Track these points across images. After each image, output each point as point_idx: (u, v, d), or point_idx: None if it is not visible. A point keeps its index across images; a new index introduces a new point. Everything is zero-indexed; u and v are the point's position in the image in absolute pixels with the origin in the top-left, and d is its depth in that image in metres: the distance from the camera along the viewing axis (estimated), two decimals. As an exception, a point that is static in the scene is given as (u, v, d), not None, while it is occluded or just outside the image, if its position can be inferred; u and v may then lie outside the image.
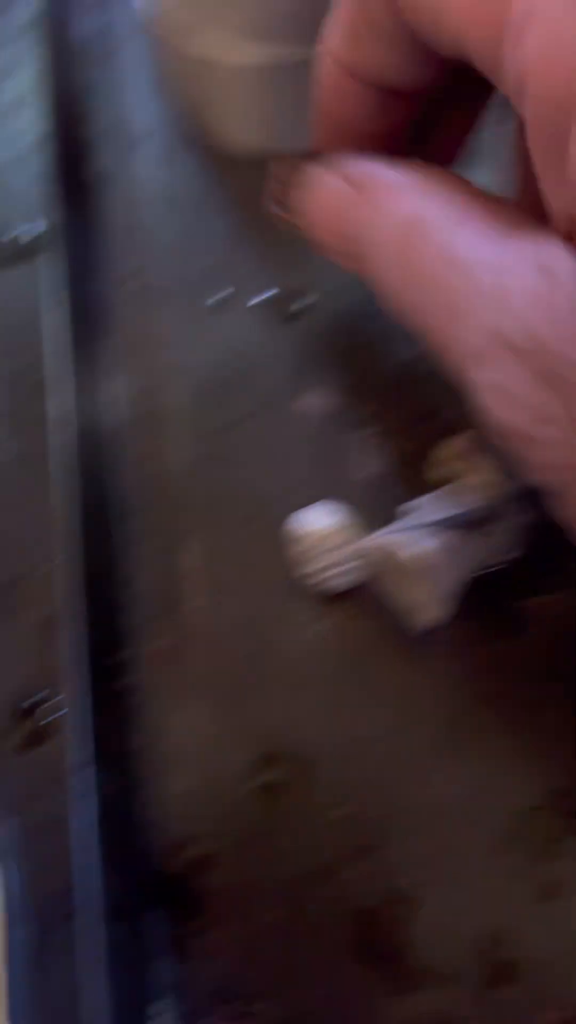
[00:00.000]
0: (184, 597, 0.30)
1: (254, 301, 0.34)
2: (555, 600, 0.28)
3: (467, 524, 0.26)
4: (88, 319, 0.33)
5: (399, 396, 0.32)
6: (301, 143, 0.35)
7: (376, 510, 0.29)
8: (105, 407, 0.32)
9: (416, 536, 0.26)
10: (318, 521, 0.27)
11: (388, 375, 0.32)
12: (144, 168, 0.36)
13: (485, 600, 0.28)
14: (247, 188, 0.35)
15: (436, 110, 0.25)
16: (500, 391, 0.19)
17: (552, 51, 0.17)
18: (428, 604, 0.26)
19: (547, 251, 0.18)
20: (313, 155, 0.26)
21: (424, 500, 0.28)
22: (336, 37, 0.23)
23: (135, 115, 0.38)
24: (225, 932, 0.26)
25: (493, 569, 0.28)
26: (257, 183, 0.35)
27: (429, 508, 0.27)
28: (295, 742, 0.28)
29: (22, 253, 0.32)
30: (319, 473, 0.31)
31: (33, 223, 0.32)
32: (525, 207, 0.20)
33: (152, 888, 0.27)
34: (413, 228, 0.20)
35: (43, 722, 0.26)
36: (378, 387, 0.32)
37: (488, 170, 0.26)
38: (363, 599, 0.29)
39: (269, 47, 0.31)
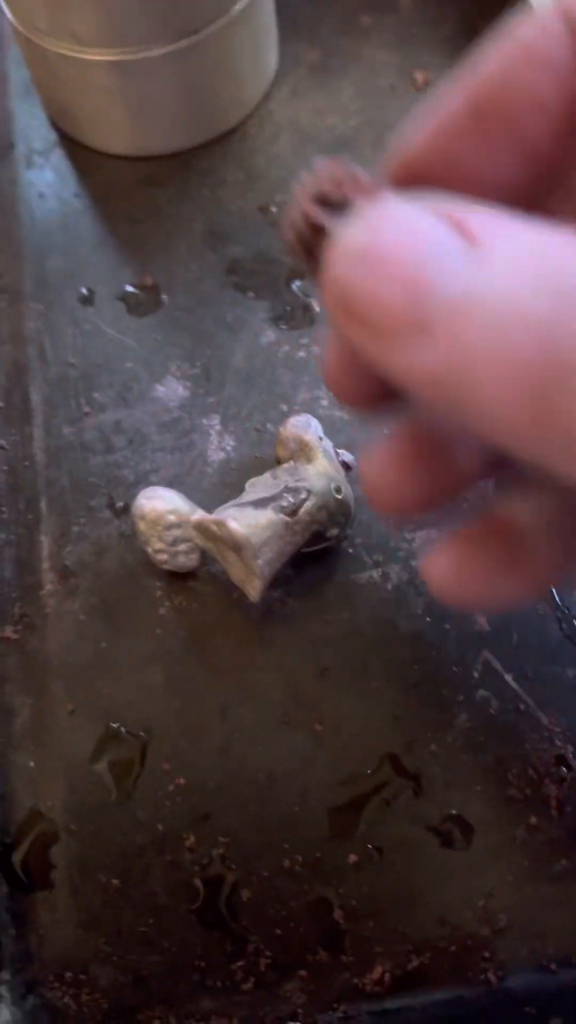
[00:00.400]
0: (41, 582, 0.30)
1: (111, 297, 0.34)
2: (381, 575, 0.29)
3: (290, 502, 0.27)
4: (-42, 316, 0.34)
5: (249, 381, 0.32)
6: (156, 146, 0.36)
7: (232, 489, 0.30)
8: (-28, 400, 0.33)
9: (244, 511, 0.27)
10: (155, 503, 0.28)
11: (238, 362, 0.33)
12: (15, 170, 0.37)
13: (317, 577, 0.29)
14: (109, 187, 0.37)
15: None
16: None
17: None
18: (255, 575, 0.26)
19: None
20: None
21: (263, 477, 0.29)
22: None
23: (11, 119, 0.38)
24: (66, 903, 0.27)
25: (322, 547, 0.28)
26: (118, 181, 0.36)
27: (263, 485, 0.28)
28: (140, 718, 0.28)
29: None
30: (176, 457, 0.31)
31: None
32: None
33: (-2, 861, 0.28)
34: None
35: None
36: (229, 373, 0.33)
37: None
38: (207, 579, 0.30)
39: (119, 45, 0.32)
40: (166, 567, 0.29)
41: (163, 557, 0.29)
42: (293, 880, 0.26)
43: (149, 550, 0.29)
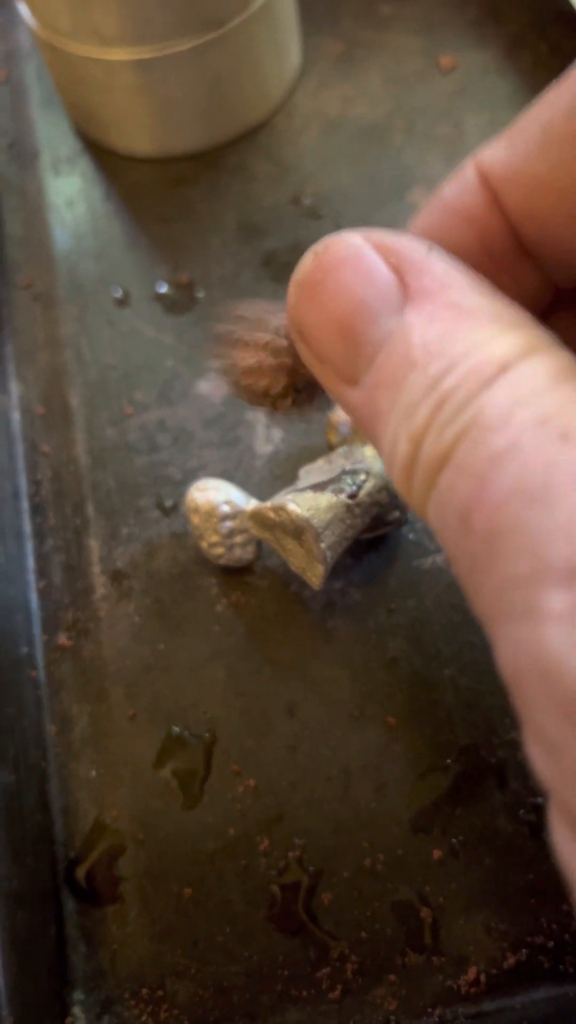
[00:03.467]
0: (93, 586, 0.30)
1: (147, 297, 0.34)
2: (445, 559, 0.28)
3: (350, 484, 0.26)
4: (-7, 325, 0.34)
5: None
6: (183, 145, 0.36)
7: (283, 481, 0.30)
8: (11, 408, 0.33)
9: (303, 494, 0.26)
10: (208, 494, 0.27)
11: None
12: (42, 178, 0.37)
13: (378, 565, 0.28)
14: (139, 189, 0.36)
15: None
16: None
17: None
18: (317, 561, 0.25)
19: None
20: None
21: (317, 463, 0.28)
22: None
23: (35, 129, 0.38)
24: (138, 916, 0.26)
25: (383, 531, 0.27)
26: (147, 183, 0.36)
27: (318, 471, 0.27)
28: (204, 719, 0.27)
29: None
30: (223, 453, 0.31)
31: None
32: None
33: (64, 877, 0.26)
34: (494, 382, 0.13)
35: None
36: (273, 364, 0.32)
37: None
38: (264, 573, 0.29)
39: (142, 43, 0.32)
40: (221, 562, 0.28)
41: (219, 551, 0.28)
42: (375, 880, 0.25)
43: (204, 545, 0.28)
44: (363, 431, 0.15)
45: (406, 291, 0.15)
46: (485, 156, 0.17)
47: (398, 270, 0.15)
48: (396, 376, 0.14)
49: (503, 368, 0.14)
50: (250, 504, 0.27)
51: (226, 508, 0.27)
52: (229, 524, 0.27)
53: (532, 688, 0.12)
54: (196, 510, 0.27)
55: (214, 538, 0.28)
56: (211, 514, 0.27)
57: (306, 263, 0.15)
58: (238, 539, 0.28)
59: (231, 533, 0.27)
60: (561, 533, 0.12)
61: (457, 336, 0.14)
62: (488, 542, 0.13)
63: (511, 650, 0.12)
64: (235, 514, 0.27)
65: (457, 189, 0.17)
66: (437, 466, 0.14)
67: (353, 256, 0.15)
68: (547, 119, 0.16)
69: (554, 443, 0.13)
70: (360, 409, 0.15)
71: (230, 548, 0.28)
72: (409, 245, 0.15)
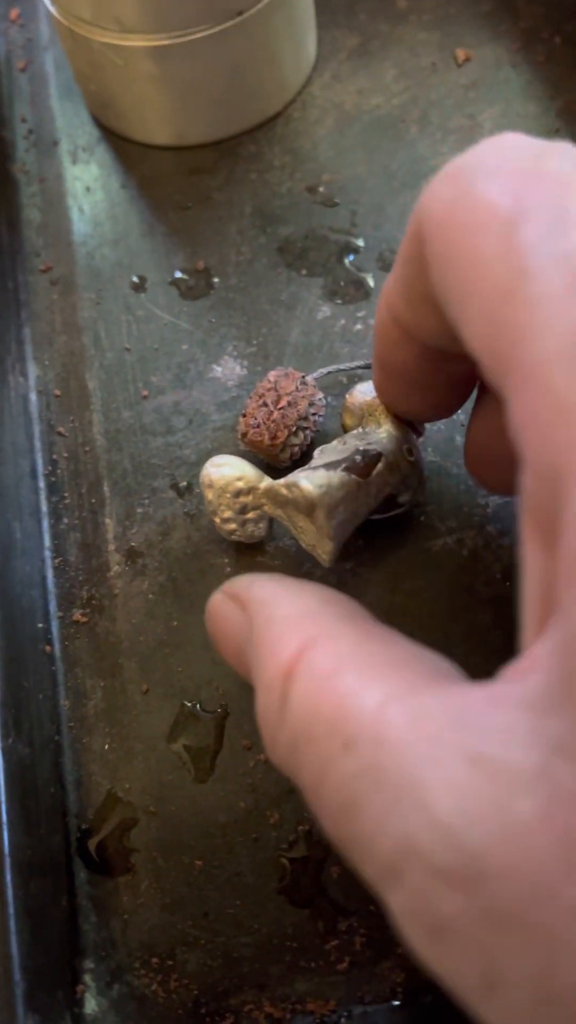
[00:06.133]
0: (108, 564, 0.30)
1: (163, 283, 0.34)
2: (456, 541, 0.29)
3: (362, 463, 0.26)
4: (11, 308, 0.34)
5: (307, 356, 0.32)
6: (200, 134, 0.36)
7: (298, 461, 0.30)
8: (29, 390, 0.33)
9: (315, 472, 0.26)
10: (223, 470, 0.28)
11: (295, 338, 0.32)
12: (61, 165, 0.37)
13: (389, 546, 0.29)
14: (156, 177, 0.37)
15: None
16: (423, 923, 0.13)
17: (546, 415, 0.14)
18: (327, 538, 0.26)
19: (477, 726, 0.14)
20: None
21: (331, 444, 0.28)
22: (392, 289, 0.21)
23: (54, 117, 0.39)
24: (149, 887, 0.26)
25: (394, 513, 0.28)
26: (163, 172, 0.37)
27: (332, 451, 0.27)
28: (216, 695, 0.28)
29: None
30: (237, 435, 0.31)
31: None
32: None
33: (76, 848, 0.27)
34: (291, 675, 0.16)
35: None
36: (287, 349, 0.32)
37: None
38: (276, 553, 0.29)
39: (162, 30, 0.32)
40: (235, 537, 0.28)
41: (232, 527, 0.28)
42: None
43: (217, 520, 0.28)
44: None
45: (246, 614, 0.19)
46: (389, 294, 0.21)
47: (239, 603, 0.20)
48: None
49: (288, 673, 0.17)
50: (264, 482, 0.27)
51: (240, 484, 0.28)
52: (243, 500, 0.28)
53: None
54: (211, 485, 0.28)
55: (227, 514, 0.28)
56: (225, 490, 0.28)
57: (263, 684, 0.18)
58: (251, 515, 0.28)
59: (244, 509, 0.28)
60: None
61: (273, 650, 0.17)
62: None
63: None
64: (249, 490, 0.28)
65: (379, 321, 0.22)
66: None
67: (218, 608, 0.21)
68: (404, 279, 0.20)
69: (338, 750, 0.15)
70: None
71: (243, 524, 0.28)
72: (240, 585, 0.20)
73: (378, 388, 0.26)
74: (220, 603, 0.21)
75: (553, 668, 0.13)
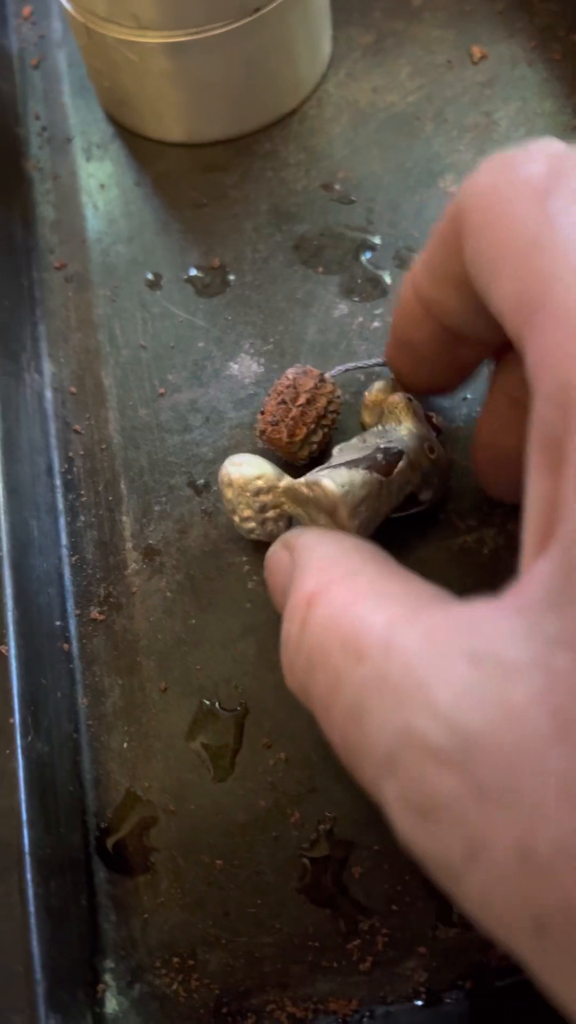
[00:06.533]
0: (125, 561, 0.30)
1: (178, 280, 0.34)
2: (475, 540, 0.28)
3: (384, 462, 0.26)
4: (26, 306, 0.34)
5: (324, 353, 0.32)
6: (215, 131, 0.36)
7: (317, 459, 0.30)
8: (45, 387, 0.33)
9: (337, 471, 0.26)
10: (243, 469, 0.28)
11: (312, 335, 0.32)
12: (75, 162, 0.37)
13: (408, 545, 0.29)
14: (171, 174, 0.36)
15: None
16: (414, 805, 0.15)
17: (564, 345, 0.15)
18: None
19: (479, 631, 0.15)
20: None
21: (351, 442, 0.28)
22: (419, 269, 0.22)
23: (67, 114, 0.39)
24: (169, 886, 0.26)
25: (414, 511, 0.28)
26: (178, 169, 0.36)
27: (352, 449, 0.27)
28: (235, 693, 0.28)
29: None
30: (254, 433, 0.31)
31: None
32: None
33: (95, 847, 0.27)
34: (312, 602, 0.19)
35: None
36: (304, 347, 0.32)
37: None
38: (296, 549, 0.29)
39: (179, 27, 0.32)
40: (253, 536, 0.28)
41: (251, 525, 0.28)
42: (406, 854, 0.25)
43: (236, 519, 0.28)
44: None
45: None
46: (416, 273, 0.23)
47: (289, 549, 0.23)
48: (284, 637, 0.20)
49: (309, 601, 0.19)
50: (283, 480, 0.27)
51: (260, 483, 0.27)
52: (263, 499, 0.28)
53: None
54: (230, 484, 0.27)
55: (246, 512, 0.28)
56: (245, 488, 0.27)
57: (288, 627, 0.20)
58: (270, 514, 0.28)
59: (264, 508, 0.28)
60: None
61: (301, 583, 0.20)
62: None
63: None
64: (268, 489, 0.27)
65: (404, 298, 0.24)
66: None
67: (273, 554, 0.24)
68: (433, 260, 0.22)
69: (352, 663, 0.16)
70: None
71: (262, 523, 0.28)
72: (292, 534, 0.24)
73: (388, 357, 0.27)
74: (274, 551, 0.24)
75: (552, 575, 0.14)
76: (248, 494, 0.27)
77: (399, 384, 0.28)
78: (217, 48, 0.33)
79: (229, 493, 0.28)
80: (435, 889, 0.25)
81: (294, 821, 0.26)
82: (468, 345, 0.24)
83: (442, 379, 0.26)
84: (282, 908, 0.25)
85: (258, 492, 0.27)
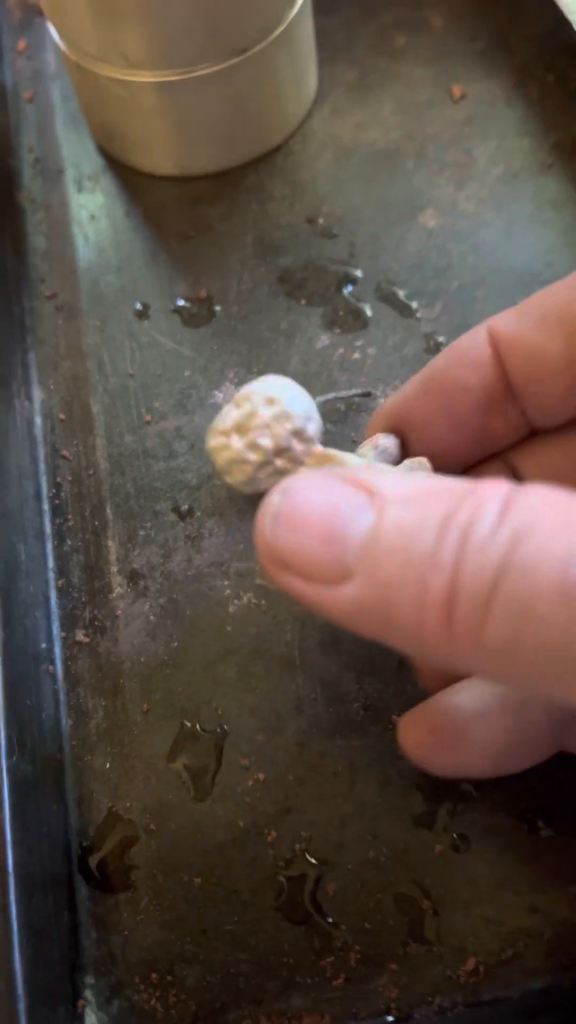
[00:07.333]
0: (110, 585, 0.31)
1: (166, 310, 0.35)
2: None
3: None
4: (16, 334, 0.35)
5: (306, 383, 0.33)
6: (203, 165, 0.37)
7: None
8: (34, 414, 0.34)
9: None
10: (291, 401, 0.22)
11: (295, 365, 0.33)
12: (66, 193, 0.38)
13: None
14: (160, 207, 0.37)
15: None
16: None
17: None
18: None
19: None
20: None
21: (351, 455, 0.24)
22: (514, 311, 0.23)
23: (60, 147, 0.40)
24: (149, 903, 0.27)
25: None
26: (167, 201, 0.37)
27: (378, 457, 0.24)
28: (215, 715, 0.28)
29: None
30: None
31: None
32: None
33: (77, 865, 0.27)
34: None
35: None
36: (287, 375, 0.33)
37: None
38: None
39: (168, 67, 0.33)
40: (240, 475, 0.22)
41: (255, 458, 0.22)
42: (379, 872, 0.26)
43: (237, 443, 0.22)
44: (365, 619, 0.17)
45: (368, 489, 0.17)
46: (497, 320, 0.23)
47: (355, 481, 0.17)
48: (400, 544, 0.16)
49: (506, 502, 0.15)
50: (319, 447, 0.22)
51: (300, 426, 0.22)
52: (293, 445, 0.22)
53: None
54: (270, 402, 0.22)
55: (264, 442, 0.22)
56: (281, 418, 0.22)
57: (274, 501, 0.18)
58: (280, 464, 0.22)
59: (281, 453, 0.22)
60: None
61: (432, 501, 0.16)
62: None
63: None
64: (304, 440, 0.22)
65: (471, 341, 0.23)
66: (489, 586, 0.15)
67: (317, 480, 0.18)
68: (548, 301, 0.22)
69: None
70: (359, 597, 0.16)
71: (267, 467, 0.22)
72: (350, 467, 0.19)
73: (403, 404, 0.24)
74: (316, 475, 0.18)
75: None
76: (279, 426, 0.22)
77: (404, 440, 0.25)
78: (205, 87, 0.34)
79: (246, 408, 0.22)
80: (406, 907, 0.25)
81: (271, 840, 0.27)
82: (510, 418, 0.23)
83: (453, 445, 0.24)
84: (258, 925, 0.26)
85: (295, 434, 0.22)
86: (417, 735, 0.24)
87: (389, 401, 0.25)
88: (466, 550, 0.15)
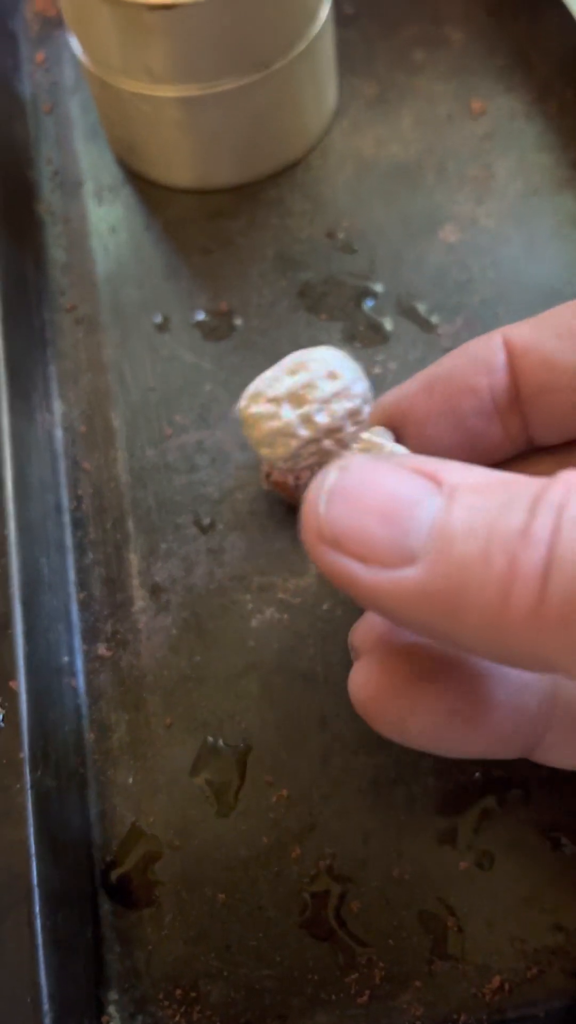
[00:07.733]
0: (132, 599, 0.31)
1: (186, 324, 0.35)
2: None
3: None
4: (37, 346, 0.35)
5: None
6: (223, 179, 0.37)
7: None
8: (55, 426, 0.34)
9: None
10: (347, 376, 0.20)
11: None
12: (86, 206, 0.38)
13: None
14: (180, 220, 0.38)
15: None
16: None
17: None
18: None
19: None
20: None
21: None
22: (532, 321, 0.23)
23: (79, 159, 0.40)
24: (173, 919, 0.27)
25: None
26: (187, 215, 0.38)
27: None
28: (238, 730, 0.28)
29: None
30: (259, 476, 0.32)
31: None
32: None
33: (101, 880, 0.27)
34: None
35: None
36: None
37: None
38: (297, 591, 0.30)
39: (192, 81, 0.33)
40: (282, 453, 0.21)
41: (305, 435, 0.20)
42: (403, 889, 0.26)
43: (295, 415, 0.20)
44: (428, 605, 0.15)
45: (434, 476, 0.17)
46: (512, 329, 0.22)
47: (418, 468, 0.17)
48: (483, 522, 0.15)
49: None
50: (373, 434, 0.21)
51: (358, 406, 0.20)
52: (348, 428, 0.21)
53: None
54: (331, 376, 0.20)
55: (320, 419, 0.20)
56: (339, 395, 0.20)
57: (331, 477, 0.17)
58: (328, 444, 0.20)
59: (331, 434, 0.20)
60: None
61: (512, 487, 0.16)
62: None
63: None
64: (357, 423, 0.21)
65: (484, 344, 0.23)
66: None
67: (378, 462, 0.17)
68: (565, 315, 0.22)
69: None
70: (424, 581, 0.15)
71: (313, 444, 0.20)
72: (414, 455, 0.18)
73: (402, 400, 0.23)
74: (377, 457, 0.18)
75: None
76: (338, 404, 0.21)
77: (399, 435, 0.24)
78: (228, 101, 0.34)
79: (303, 377, 0.20)
80: (430, 924, 0.25)
81: (295, 856, 0.27)
82: (511, 429, 0.23)
83: (448, 447, 0.23)
84: (282, 942, 0.26)
85: (351, 415, 0.21)
86: (366, 674, 0.21)
87: (389, 394, 0.24)
88: (562, 525, 0.14)
